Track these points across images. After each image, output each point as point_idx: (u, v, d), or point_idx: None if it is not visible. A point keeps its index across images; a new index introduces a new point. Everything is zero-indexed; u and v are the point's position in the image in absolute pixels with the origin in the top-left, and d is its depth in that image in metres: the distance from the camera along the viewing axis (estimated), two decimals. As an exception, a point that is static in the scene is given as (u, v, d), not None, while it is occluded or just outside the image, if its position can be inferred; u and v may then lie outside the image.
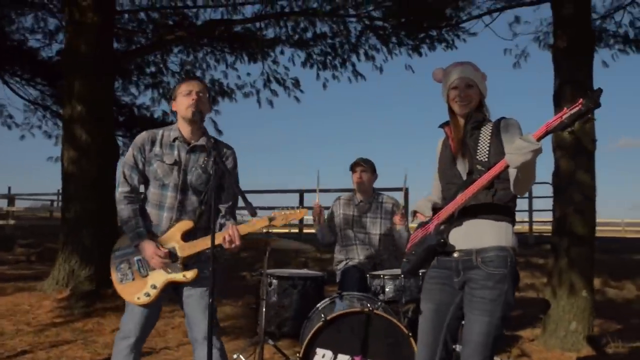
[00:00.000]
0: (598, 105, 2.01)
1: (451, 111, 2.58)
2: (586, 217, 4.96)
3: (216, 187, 2.81)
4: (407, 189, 5.82)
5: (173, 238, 2.85)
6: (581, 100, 2.01)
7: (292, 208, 3.03)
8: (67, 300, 6.18)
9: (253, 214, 2.61)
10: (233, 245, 2.80)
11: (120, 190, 2.89)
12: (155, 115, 9.95)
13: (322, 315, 3.41)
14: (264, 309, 3.80)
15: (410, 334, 3.32)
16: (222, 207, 2.97)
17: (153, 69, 9.54)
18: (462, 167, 2.50)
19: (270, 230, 2.93)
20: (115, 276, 2.88)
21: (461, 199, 2.37)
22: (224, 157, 2.98)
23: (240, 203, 2.82)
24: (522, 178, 2.24)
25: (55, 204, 19.48)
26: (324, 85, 9.35)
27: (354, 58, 9.06)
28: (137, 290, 2.82)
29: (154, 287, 2.82)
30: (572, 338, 4.82)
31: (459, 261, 2.44)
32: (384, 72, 9.33)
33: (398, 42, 8.73)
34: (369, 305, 3.44)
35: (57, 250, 6.83)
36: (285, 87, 9.48)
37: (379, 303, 3.61)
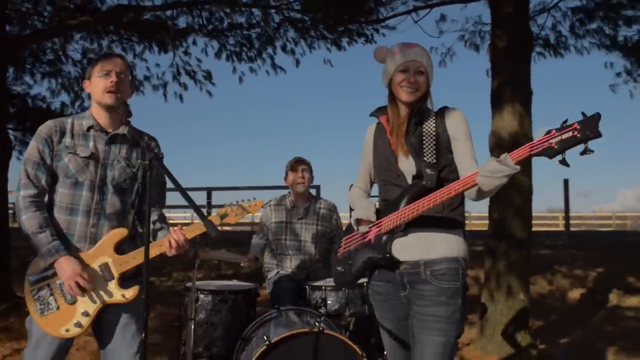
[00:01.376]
0: (598, 134, 1.71)
1: (392, 98, 2.27)
2: (524, 219, 4.92)
3: (152, 183, 2.30)
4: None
5: (105, 251, 2.36)
6: (576, 124, 1.73)
7: (246, 201, 2.59)
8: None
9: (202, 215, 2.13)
10: (181, 251, 2.40)
11: (24, 193, 2.34)
12: (53, 107, 8.99)
13: (265, 338, 3.00)
14: (192, 331, 3.33)
15: (364, 354, 3.01)
16: (154, 211, 2.52)
17: (51, 56, 8.62)
18: (406, 167, 2.21)
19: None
20: (33, 308, 2.34)
21: (412, 210, 2.08)
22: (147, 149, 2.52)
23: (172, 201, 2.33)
24: (486, 194, 2.00)
25: None
26: (240, 79, 8.90)
27: (270, 50, 8.70)
28: (64, 321, 2.31)
29: (86, 314, 2.32)
30: (510, 341, 4.73)
31: (404, 274, 2.19)
32: (302, 65, 9.00)
33: (317, 35, 8.49)
34: (315, 322, 3.09)
35: None
36: (196, 80, 8.91)
37: (324, 319, 3.27)
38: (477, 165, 2.13)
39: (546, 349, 4.93)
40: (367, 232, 2.25)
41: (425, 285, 2.13)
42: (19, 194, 2.35)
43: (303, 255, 4.06)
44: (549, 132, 1.80)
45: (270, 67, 8.75)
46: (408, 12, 7.22)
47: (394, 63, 2.22)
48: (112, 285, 2.36)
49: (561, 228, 13.03)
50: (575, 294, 6.38)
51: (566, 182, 12.67)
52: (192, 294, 3.42)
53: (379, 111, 2.34)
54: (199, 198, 14.23)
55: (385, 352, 3.64)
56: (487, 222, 5.37)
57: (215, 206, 14.05)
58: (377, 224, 2.22)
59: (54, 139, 2.38)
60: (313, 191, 11.92)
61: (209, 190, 13.53)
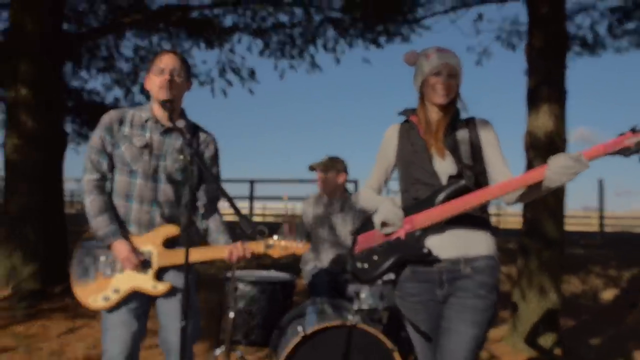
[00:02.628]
0: None
1: (422, 100, 2.32)
2: (557, 219, 4.94)
3: (197, 181, 2.44)
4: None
5: (153, 241, 2.48)
6: None
7: (296, 240, 2.67)
8: (7, 300, 5.72)
9: (250, 231, 2.25)
10: (241, 261, 2.53)
11: (88, 177, 2.47)
12: (107, 102, 9.42)
13: (300, 329, 3.16)
14: (231, 319, 3.54)
15: (394, 349, 3.14)
16: (200, 205, 2.63)
17: (105, 53, 9.01)
18: (442, 168, 2.24)
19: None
20: (74, 270, 2.48)
21: (454, 207, 2.13)
22: (204, 145, 2.63)
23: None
24: (538, 194, 2.08)
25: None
26: (281, 76, 9.11)
27: (312, 49, 8.86)
28: (95, 291, 2.43)
29: (117, 291, 2.43)
30: (541, 340, 4.79)
31: (443, 272, 2.20)
32: (343, 63, 9.16)
33: (356, 34, 8.58)
34: (349, 315, 3.23)
35: (-3, 245, 6.31)
36: (241, 77, 9.16)
37: (358, 313, 3.40)
38: (510, 172, 2.22)
39: (577, 348, 4.96)
40: (391, 232, 2.25)
41: (465, 279, 2.16)
42: (84, 177, 2.47)
43: (339, 248, 4.16)
44: (622, 134, 1.94)
45: (309, 65, 8.91)
46: (445, 12, 7.24)
47: (428, 66, 2.25)
48: (148, 274, 2.46)
49: (595, 228, 12.73)
50: (608, 294, 6.32)
51: (601, 182, 12.47)
52: (232, 283, 3.62)
53: (408, 111, 2.39)
54: (242, 189, 14.49)
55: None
56: (520, 219, 5.40)
57: (257, 198, 14.28)
58: (408, 220, 2.22)
59: (114, 127, 2.49)
60: (352, 185, 12.07)
61: (252, 182, 13.75)
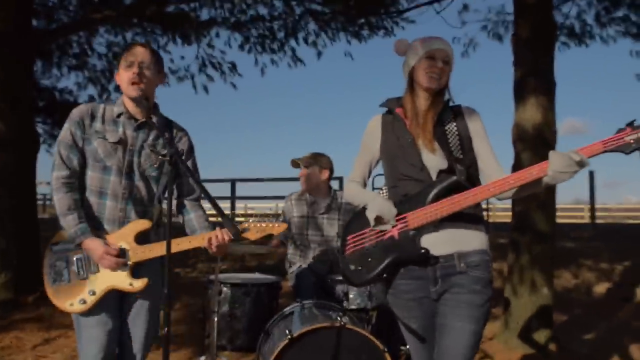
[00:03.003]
0: None
1: (411, 89, 2.25)
2: (548, 212, 4.85)
3: (173, 177, 2.35)
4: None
5: (124, 238, 2.40)
6: None
7: (270, 219, 2.59)
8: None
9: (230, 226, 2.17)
10: (222, 251, 2.44)
11: (56, 174, 2.37)
12: (80, 100, 9.16)
13: (287, 332, 3.03)
14: (215, 323, 3.39)
15: (385, 349, 3.02)
16: (188, 201, 2.56)
17: (77, 49, 8.77)
18: (431, 162, 2.17)
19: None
20: (47, 275, 2.39)
21: (450, 205, 2.07)
22: (177, 140, 2.56)
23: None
24: (532, 191, 2.08)
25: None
26: (262, 71, 8.96)
27: (293, 42, 8.73)
28: (71, 295, 2.35)
29: (93, 293, 2.35)
30: (534, 336, 4.69)
31: (437, 268, 2.14)
32: (324, 57, 9.04)
33: (337, 27, 8.47)
34: (337, 316, 3.10)
35: (-34, 253, 6.02)
36: (221, 72, 8.97)
37: (346, 313, 3.28)
38: (500, 164, 2.19)
39: (570, 343, 4.88)
40: (386, 229, 2.19)
41: (460, 275, 2.12)
42: (52, 174, 2.39)
43: (325, 249, 4.04)
44: (620, 130, 1.92)
45: (291, 60, 8.77)
46: (430, 3, 7.13)
47: (420, 50, 2.21)
48: (124, 272, 2.38)
49: (587, 220, 12.80)
50: (601, 288, 6.28)
51: (591, 173, 12.48)
52: (216, 287, 3.47)
53: (391, 102, 2.32)
54: (223, 189, 14.30)
55: (407, 347, 3.69)
56: (510, 214, 5.31)
57: (239, 198, 14.11)
58: (401, 219, 2.16)
59: (85, 122, 2.41)
60: (336, 182, 11.94)
61: (233, 182, 13.57)
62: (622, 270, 6.62)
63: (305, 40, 8.59)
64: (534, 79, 4.86)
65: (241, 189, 13.46)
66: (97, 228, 2.39)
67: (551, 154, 1.97)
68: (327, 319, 3.15)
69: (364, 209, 2.25)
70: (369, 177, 2.43)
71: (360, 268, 2.23)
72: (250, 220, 2.56)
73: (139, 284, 2.38)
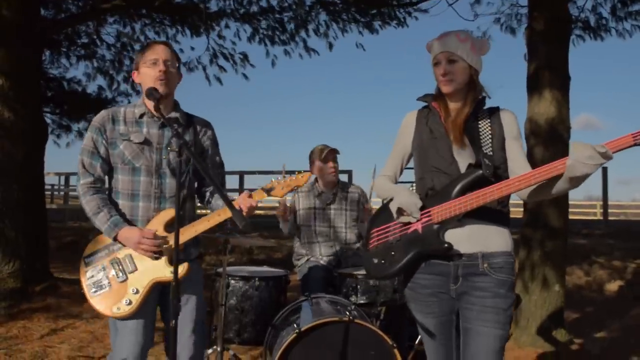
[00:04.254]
0: None
1: (439, 90, 2.26)
2: (560, 208, 4.77)
3: (195, 170, 2.41)
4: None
5: (155, 229, 2.41)
6: None
7: (291, 173, 2.58)
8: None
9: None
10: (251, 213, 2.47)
11: (82, 182, 2.43)
12: (89, 90, 9.13)
13: (295, 326, 2.99)
14: (223, 316, 3.35)
15: (394, 345, 2.97)
16: (207, 190, 2.62)
17: (86, 39, 8.73)
18: (460, 157, 2.17)
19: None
20: (86, 288, 2.41)
21: (475, 199, 2.04)
22: (202, 134, 2.58)
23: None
24: (562, 190, 1.99)
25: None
26: (273, 63, 8.88)
27: (303, 34, 8.65)
28: (115, 299, 2.36)
29: (136, 291, 2.36)
30: (545, 334, 4.63)
31: (459, 266, 2.13)
32: (335, 50, 8.90)
33: (349, 18, 8.38)
34: (345, 311, 3.06)
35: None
36: (233, 63, 8.91)
37: (355, 308, 3.24)
38: (529, 166, 2.14)
39: (581, 341, 4.82)
40: (410, 222, 2.19)
41: (483, 277, 2.10)
42: (78, 183, 2.44)
43: (333, 242, 4.02)
44: None
45: (303, 50, 8.69)
46: (442, -5, 7.01)
47: (431, 56, 2.24)
48: (162, 262, 2.40)
49: (599, 217, 12.62)
50: (613, 285, 6.21)
51: (605, 170, 12.31)
52: (223, 279, 3.43)
53: (428, 97, 2.32)
54: (232, 182, 14.32)
55: (416, 342, 3.64)
56: (522, 209, 5.24)
57: (247, 190, 14.08)
58: (426, 213, 2.15)
59: (107, 127, 2.44)
60: (345, 176, 11.89)
61: (242, 174, 13.55)
62: (634, 269, 6.55)
63: (316, 32, 8.53)
64: (548, 72, 4.78)
65: (249, 182, 13.43)
66: (131, 224, 2.41)
67: (573, 143, 1.91)
68: (335, 313, 3.12)
69: (389, 203, 2.26)
70: (400, 172, 2.43)
71: (383, 261, 2.22)
72: (273, 179, 2.56)
73: (181, 270, 2.32)
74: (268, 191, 2.52)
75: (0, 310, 5.30)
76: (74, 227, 10.52)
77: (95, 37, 8.65)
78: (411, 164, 2.39)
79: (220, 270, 3.55)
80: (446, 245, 2.10)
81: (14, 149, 5.98)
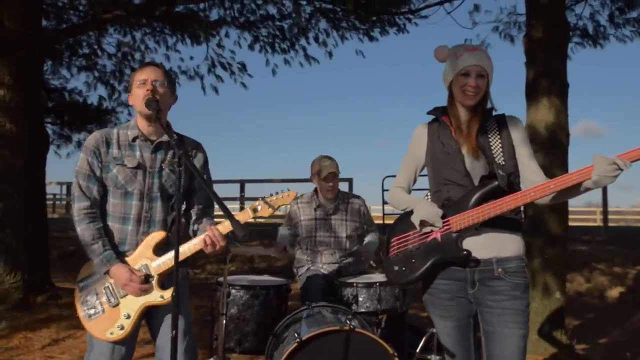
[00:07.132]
0: None
1: (452, 100, 2.31)
2: (560, 215, 4.78)
3: (184, 191, 2.41)
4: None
5: (144, 254, 2.43)
6: None
7: (280, 193, 2.56)
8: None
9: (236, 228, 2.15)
10: (217, 247, 2.41)
11: (78, 206, 2.42)
12: (89, 101, 9.17)
13: (296, 335, 2.99)
14: (224, 325, 3.35)
15: (395, 354, 2.97)
16: (193, 212, 2.58)
17: (87, 49, 8.77)
18: (474, 169, 2.27)
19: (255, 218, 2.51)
20: (82, 312, 2.44)
21: (491, 209, 2.14)
22: (191, 156, 2.57)
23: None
24: (574, 197, 2.13)
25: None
26: (274, 72, 8.91)
27: (303, 42, 8.70)
28: (109, 324, 2.39)
29: (128, 316, 2.39)
30: (546, 341, 4.63)
31: (475, 271, 2.25)
32: (335, 57, 8.94)
33: (348, 26, 8.44)
34: (346, 320, 3.06)
35: (-24, 254, 6.04)
36: (231, 72, 8.94)
37: (356, 317, 3.24)
38: (540, 169, 2.25)
39: (583, 348, 4.81)
40: (430, 231, 2.29)
41: (498, 281, 2.20)
42: (74, 206, 2.43)
43: (334, 251, 4.03)
44: None
45: (303, 59, 8.73)
46: (441, 3, 7.07)
47: (456, 66, 2.26)
48: (152, 287, 2.42)
49: (599, 223, 12.59)
50: (614, 292, 6.20)
51: (605, 177, 12.29)
52: (224, 289, 3.44)
53: (437, 111, 2.38)
54: (232, 190, 14.33)
55: (416, 350, 3.64)
56: (522, 215, 5.25)
57: (248, 199, 14.12)
58: (444, 222, 2.24)
59: (101, 150, 2.44)
60: (345, 184, 11.88)
61: (242, 183, 13.56)
62: (635, 275, 6.54)
63: (316, 40, 8.57)
64: (547, 80, 4.81)
65: (250, 190, 13.43)
66: (120, 253, 2.43)
67: (595, 158, 2.00)
68: (336, 322, 3.12)
69: (408, 213, 2.36)
70: (413, 183, 2.50)
71: (404, 269, 2.33)
72: (260, 199, 2.54)
73: (169, 294, 2.38)
74: (254, 211, 2.52)
75: (2, 321, 5.29)
76: (76, 236, 10.47)
77: (96, 47, 8.69)
78: (423, 171, 2.47)
79: (221, 279, 3.56)
80: (465, 252, 2.20)
81: (15, 159, 6.00)
